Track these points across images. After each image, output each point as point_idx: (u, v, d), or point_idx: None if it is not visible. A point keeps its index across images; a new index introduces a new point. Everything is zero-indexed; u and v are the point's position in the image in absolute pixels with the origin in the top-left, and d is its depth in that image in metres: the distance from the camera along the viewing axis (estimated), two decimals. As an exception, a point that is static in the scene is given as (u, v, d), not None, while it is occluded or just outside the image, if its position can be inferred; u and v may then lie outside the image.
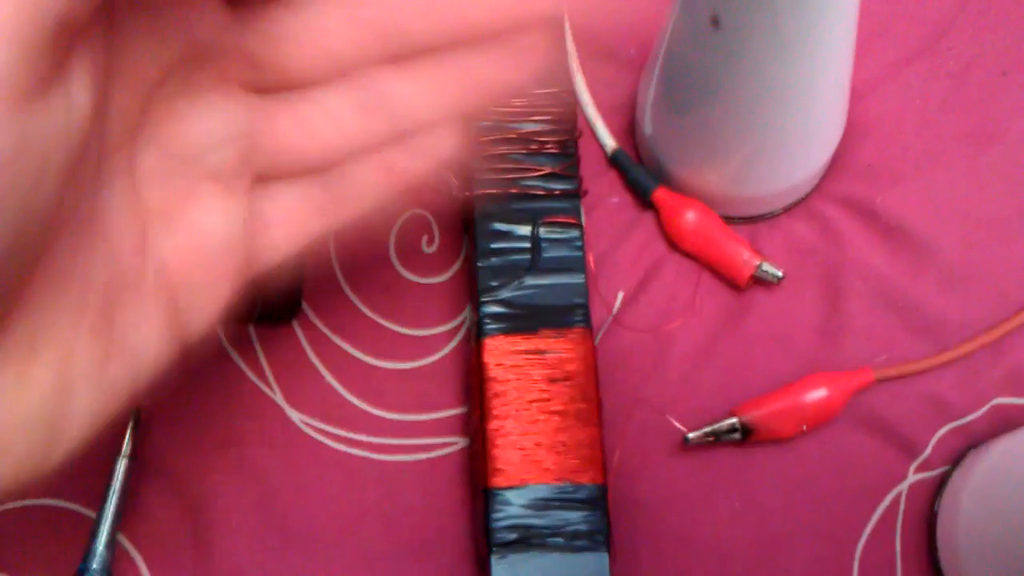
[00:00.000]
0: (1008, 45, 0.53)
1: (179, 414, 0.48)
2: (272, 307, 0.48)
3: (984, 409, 0.48)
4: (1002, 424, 0.48)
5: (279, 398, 0.48)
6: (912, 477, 0.47)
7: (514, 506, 0.43)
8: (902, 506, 0.47)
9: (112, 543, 0.45)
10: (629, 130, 0.53)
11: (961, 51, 0.53)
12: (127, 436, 0.47)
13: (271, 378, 0.48)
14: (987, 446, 0.47)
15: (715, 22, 0.41)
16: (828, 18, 0.41)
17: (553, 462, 0.43)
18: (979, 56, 0.53)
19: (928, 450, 0.47)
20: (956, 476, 0.46)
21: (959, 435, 0.48)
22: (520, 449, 0.43)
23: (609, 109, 0.53)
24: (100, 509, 0.45)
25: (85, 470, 0.46)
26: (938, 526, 0.46)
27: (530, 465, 0.43)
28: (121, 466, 0.46)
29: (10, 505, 0.46)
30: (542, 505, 0.43)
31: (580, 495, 0.43)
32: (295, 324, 0.49)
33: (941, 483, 0.47)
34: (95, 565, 0.44)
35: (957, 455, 0.47)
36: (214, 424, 0.48)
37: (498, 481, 0.43)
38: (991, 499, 0.45)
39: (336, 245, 0.50)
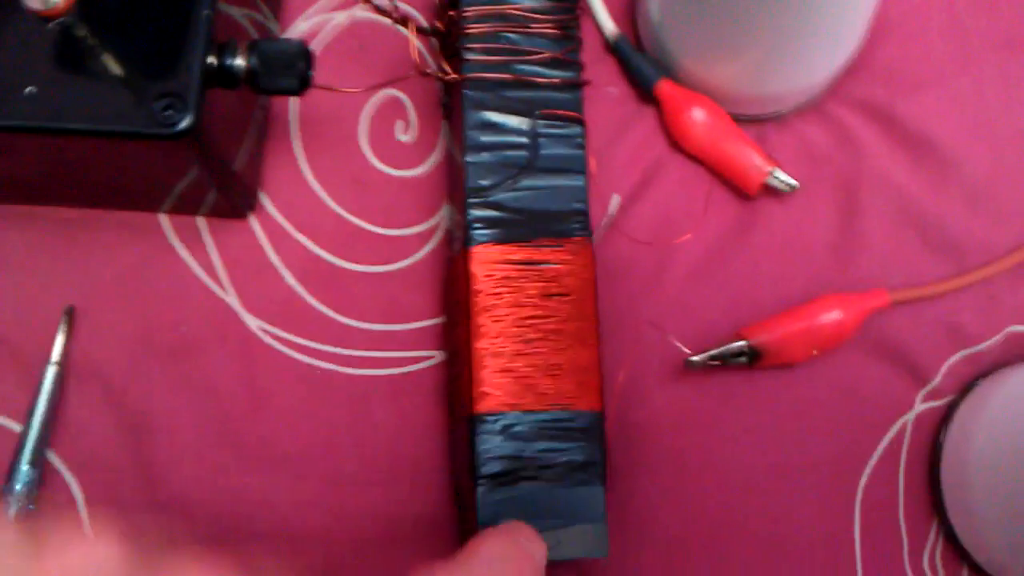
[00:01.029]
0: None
1: (118, 316, 0.42)
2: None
3: (999, 337, 0.45)
4: (1015, 353, 0.45)
5: (233, 301, 0.43)
6: (919, 406, 0.44)
7: (502, 434, 0.38)
8: (907, 437, 0.44)
9: (39, 461, 0.40)
10: (629, 12, 0.47)
11: (994, -56, 0.48)
12: (57, 339, 0.41)
13: (224, 278, 0.43)
14: (998, 377, 0.44)
15: None
16: None
17: (547, 386, 0.39)
18: (1013, -50, 0.48)
19: (938, 378, 0.44)
20: (963, 408, 0.44)
21: (970, 363, 0.45)
22: (510, 371, 0.39)
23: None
24: (26, 423, 0.40)
25: (10, 376, 0.41)
26: (943, 459, 0.43)
27: (521, 389, 0.39)
28: (50, 374, 0.41)
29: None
30: (533, 434, 0.38)
31: (575, 423, 0.39)
32: (251, 217, 0.43)
33: (947, 414, 0.44)
34: (18, 485, 0.39)
35: (966, 384, 0.44)
36: (158, 329, 0.42)
37: (485, 406, 0.38)
38: (1005, 432, 0.42)
39: (299, 127, 0.44)
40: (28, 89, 0.35)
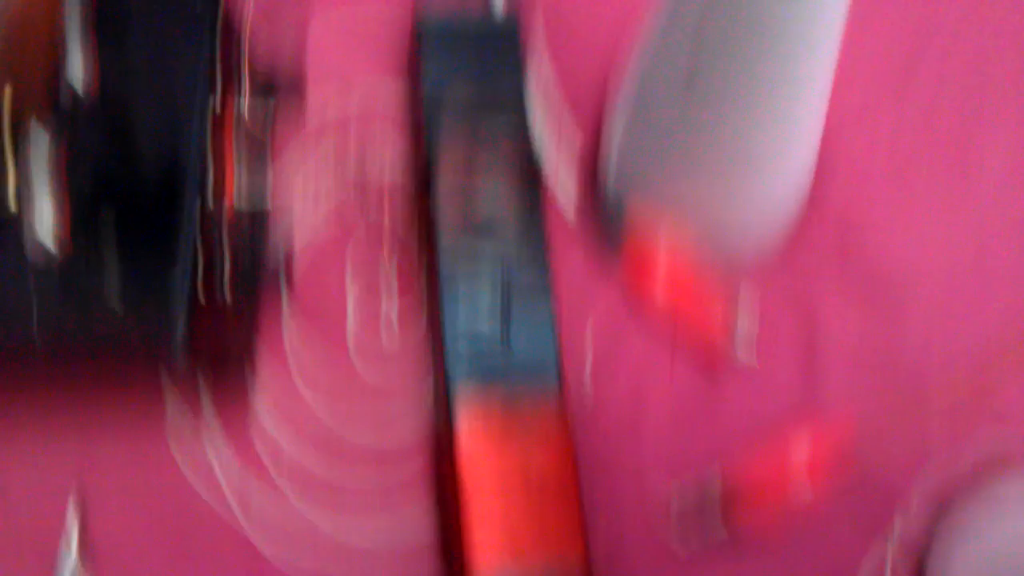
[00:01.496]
0: (975, 82, 0.52)
1: (125, 506, 0.44)
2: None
3: (967, 462, 0.46)
4: (985, 475, 0.46)
5: (234, 508, 0.45)
6: (898, 532, 0.46)
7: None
8: (888, 567, 0.45)
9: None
10: (592, 180, 0.50)
11: (928, 89, 0.52)
12: (70, 527, 0.43)
13: (224, 484, 0.45)
14: (969, 505, 0.45)
15: (689, 80, 0.39)
16: (804, 68, 0.39)
17: (532, 542, 0.41)
18: (946, 94, 0.52)
19: (913, 506, 0.46)
20: (940, 535, 0.45)
21: (943, 488, 0.46)
22: (499, 525, 0.41)
23: (570, 158, 0.50)
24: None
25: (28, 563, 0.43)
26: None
27: (509, 546, 0.41)
28: (68, 565, 0.43)
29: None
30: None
31: (563, 576, 0.41)
32: (251, 421, 0.46)
33: (926, 543, 0.45)
34: None
35: (941, 511, 0.46)
36: (163, 533, 0.44)
37: (475, 562, 0.40)
38: (980, 559, 0.43)
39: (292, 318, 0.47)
40: (31, 320, 0.38)
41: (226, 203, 0.41)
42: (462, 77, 0.47)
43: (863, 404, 0.47)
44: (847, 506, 0.46)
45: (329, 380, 0.47)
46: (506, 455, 0.42)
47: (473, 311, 0.44)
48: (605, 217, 0.49)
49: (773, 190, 0.45)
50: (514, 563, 0.40)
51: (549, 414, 0.42)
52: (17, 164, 0.37)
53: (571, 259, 0.49)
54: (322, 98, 0.50)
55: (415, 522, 0.45)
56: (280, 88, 0.45)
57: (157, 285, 0.39)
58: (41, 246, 0.38)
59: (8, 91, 0.37)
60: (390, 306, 0.48)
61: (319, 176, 0.49)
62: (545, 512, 0.41)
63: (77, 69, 0.39)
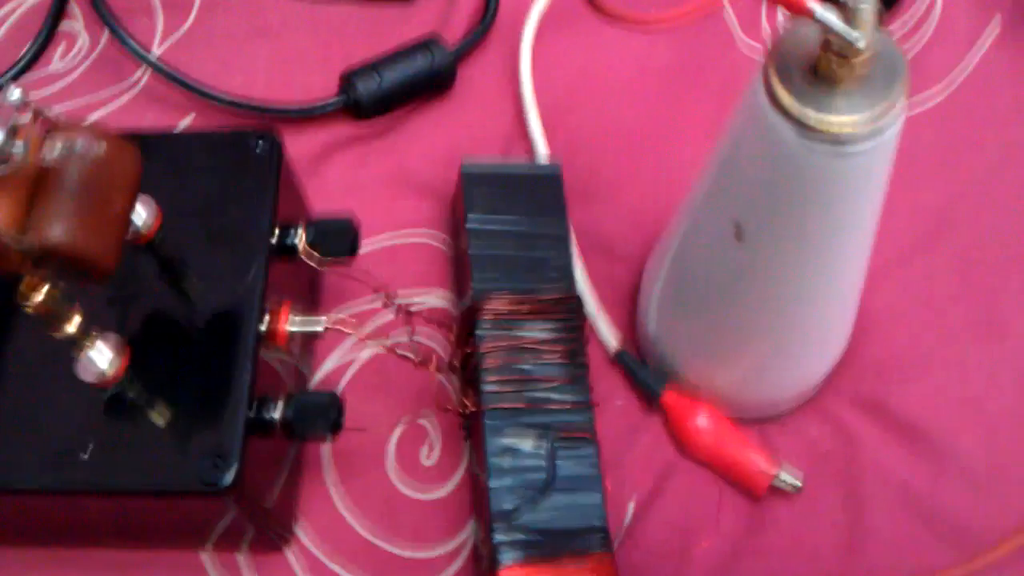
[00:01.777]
0: (1011, 233, 0.53)
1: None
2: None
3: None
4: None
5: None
6: None
7: None
8: None
9: None
10: (630, 324, 0.51)
11: (964, 240, 0.53)
12: None
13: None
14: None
15: (738, 235, 0.40)
16: (852, 227, 0.40)
17: None
18: (982, 245, 0.53)
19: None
20: None
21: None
22: None
23: (608, 303, 0.51)
24: None
25: None
26: None
27: None
28: None
29: None
30: None
31: None
32: (287, 549, 0.46)
33: None
34: None
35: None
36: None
37: None
38: None
39: (331, 458, 0.47)
40: (84, 453, 0.39)
41: (278, 328, 0.42)
42: (504, 219, 0.49)
43: (907, 551, 0.46)
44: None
45: (368, 497, 0.47)
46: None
47: (516, 453, 0.44)
48: (646, 360, 0.50)
49: (812, 342, 0.46)
50: None
51: (594, 557, 0.42)
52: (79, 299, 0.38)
53: (613, 399, 0.49)
54: (371, 231, 0.52)
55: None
56: (330, 224, 0.47)
57: (212, 405, 0.39)
58: (97, 369, 0.38)
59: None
60: (432, 436, 0.48)
61: (366, 305, 0.51)
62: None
63: (140, 218, 0.41)
